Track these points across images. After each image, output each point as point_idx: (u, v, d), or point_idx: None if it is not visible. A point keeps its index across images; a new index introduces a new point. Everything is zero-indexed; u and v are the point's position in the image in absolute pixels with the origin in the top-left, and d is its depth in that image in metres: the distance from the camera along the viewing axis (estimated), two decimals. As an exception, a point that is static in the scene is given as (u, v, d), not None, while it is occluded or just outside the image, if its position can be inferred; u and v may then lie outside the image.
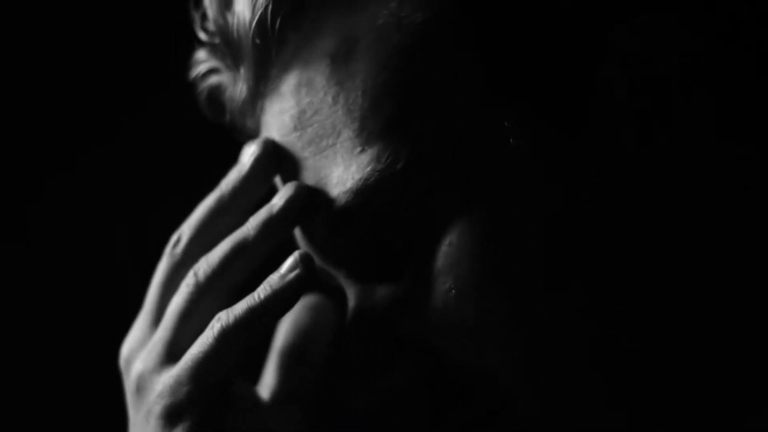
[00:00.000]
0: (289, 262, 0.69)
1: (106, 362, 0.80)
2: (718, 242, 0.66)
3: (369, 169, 0.66)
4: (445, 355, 0.67)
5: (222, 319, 0.68)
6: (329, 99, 0.67)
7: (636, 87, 0.65)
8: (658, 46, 0.65)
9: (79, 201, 1.17)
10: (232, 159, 0.74)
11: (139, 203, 1.15)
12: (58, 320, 1.17)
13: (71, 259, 1.17)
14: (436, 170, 0.65)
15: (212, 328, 0.69)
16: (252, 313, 0.68)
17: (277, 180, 0.73)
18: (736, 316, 0.66)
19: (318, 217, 0.69)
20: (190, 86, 0.76)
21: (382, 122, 0.66)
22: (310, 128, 0.68)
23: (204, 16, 0.72)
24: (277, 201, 0.70)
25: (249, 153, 0.72)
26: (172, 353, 0.70)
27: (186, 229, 0.73)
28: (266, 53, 0.69)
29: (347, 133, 0.67)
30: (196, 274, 0.71)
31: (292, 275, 0.68)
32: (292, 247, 0.72)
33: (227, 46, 0.71)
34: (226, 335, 0.68)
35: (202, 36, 0.73)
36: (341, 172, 0.67)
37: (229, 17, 0.69)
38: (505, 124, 0.64)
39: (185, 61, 0.76)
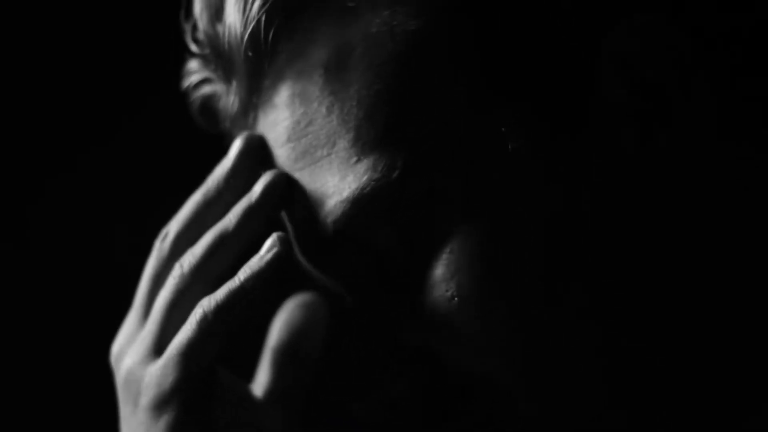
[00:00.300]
0: (268, 243, 0.69)
1: (105, 362, 0.80)
2: (718, 242, 0.66)
3: (365, 178, 0.66)
4: (446, 359, 0.67)
5: (204, 305, 0.69)
6: (323, 109, 0.67)
7: (636, 87, 0.65)
8: (658, 46, 0.64)
9: (79, 201, 1.17)
10: None
11: (139, 203, 1.15)
12: (58, 320, 1.17)
13: (71, 259, 1.17)
14: (434, 174, 0.65)
15: (195, 314, 0.69)
16: (233, 296, 0.68)
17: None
18: (736, 316, 0.66)
19: (316, 229, 0.68)
20: (186, 94, 0.75)
21: (377, 131, 0.66)
22: (305, 139, 0.68)
23: (195, 27, 0.72)
24: (256, 188, 0.70)
25: (234, 148, 0.72)
26: (159, 345, 0.71)
27: (173, 225, 0.73)
28: (258, 65, 0.68)
29: (342, 143, 0.66)
30: (181, 266, 0.71)
31: (269, 255, 0.69)
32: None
33: (218, 58, 0.70)
34: (208, 320, 0.68)
35: (193, 47, 0.73)
36: (337, 182, 0.67)
37: (220, 29, 0.69)
38: (506, 126, 0.64)
39: (185, 61, 0.76)
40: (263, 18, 0.67)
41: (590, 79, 0.65)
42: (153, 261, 0.74)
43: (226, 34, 0.69)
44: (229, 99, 0.71)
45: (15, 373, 1.18)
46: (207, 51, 0.71)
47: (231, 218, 0.71)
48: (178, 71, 0.77)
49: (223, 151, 0.75)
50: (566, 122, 0.65)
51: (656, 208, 0.65)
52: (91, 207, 1.17)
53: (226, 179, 0.72)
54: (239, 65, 0.69)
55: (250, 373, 0.78)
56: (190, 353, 0.68)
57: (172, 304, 0.71)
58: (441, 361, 0.67)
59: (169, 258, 0.73)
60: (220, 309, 0.68)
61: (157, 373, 0.69)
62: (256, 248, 0.70)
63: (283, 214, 0.71)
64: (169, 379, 0.69)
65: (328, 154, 0.67)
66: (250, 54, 0.68)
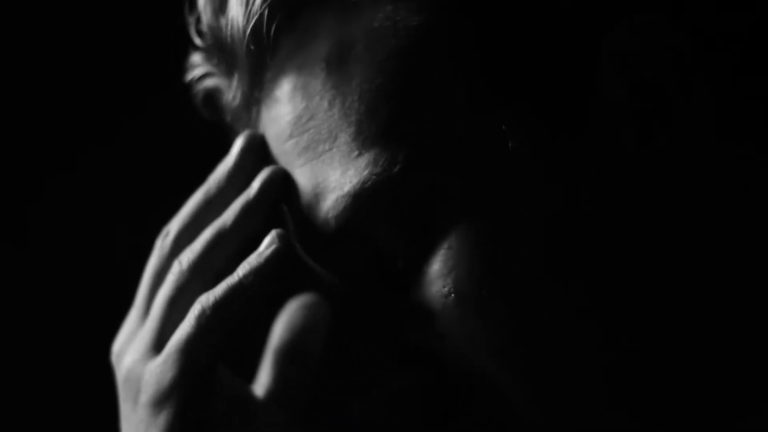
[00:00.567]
0: (267, 240, 0.69)
1: (105, 360, 0.80)
2: (718, 242, 0.66)
3: (366, 172, 0.66)
4: (445, 358, 0.67)
5: (202, 301, 0.69)
6: (325, 104, 0.67)
7: (636, 87, 0.65)
8: (658, 46, 0.64)
9: (79, 201, 1.17)
10: None
11: (138, 203, 1.15)
12: (57, 320, 1.17)
13: (71, 258, 1.17)
14: (435, 171, 0.65)
15: (193, 310, 0.69)
16: (231, 291, 0.68)
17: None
18: (735, 316, 0.66)
19: (317, 223, 0.69)
20: (189, 87, 0.75)
21: (378, 126, 0.66)
22: (307, 134, 0.68)
23: (198, 19, 0.72)
24: (254, 185, 0.70)
25: (236, 147, 0.72)
26: (159, 342, 0.70)
27: (174, 223, 0.73)
28: (260, 59, 0.68)
29: (344, 138, 0.66)
30: (180, 263, 0.71)
31: (268, 251, 0.69)
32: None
33: (221, 51, 0.71)
34: (206, 316, 0.68)
35: (197, 40, 0.73)
36: (338, 177, 0.67)
37: (223, 22, 0.69)
38: (507, 125, 0.64)
39: (185, 60, 0.76)
40: (266, 12, 0.67)
41: (590, 79, 0.65)
42: (154, 259, 0.74)
43: (229, 27, 0.69)
44: (231, 93, 0.71)
45: (14, 372, 1.18)
46: (210, 43, 0.71)
47: (229, 215, 0.71)
48: (178, 71, 0.77)
49: (223, 150, 0.75)
50: (566, 122, 0.65)
51: (656, 207, 0.65)
52: (91, 207, 1.17)
53: (228, 178, 0.72)
54: (241, 59, 0.69)
55: (253, 375, 0.78)
56: (188, 349, 0.68)
57: (171, 301, 0.71)
58: (441, 363, 0.67)
59: (170, 256, 0.73)
60: (219, 305, 0.68)
61: (157, 370, 0.69)
62: (256, 245, 0.70)
63: (285, 209, 0.71)
64: (168, 376, 0.68)
65: (330, 149, 0.67)
66: (252, 47, 0.68)
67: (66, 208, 1.18)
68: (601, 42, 0.65)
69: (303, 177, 0.68)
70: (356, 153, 0.66)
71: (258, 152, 0.71)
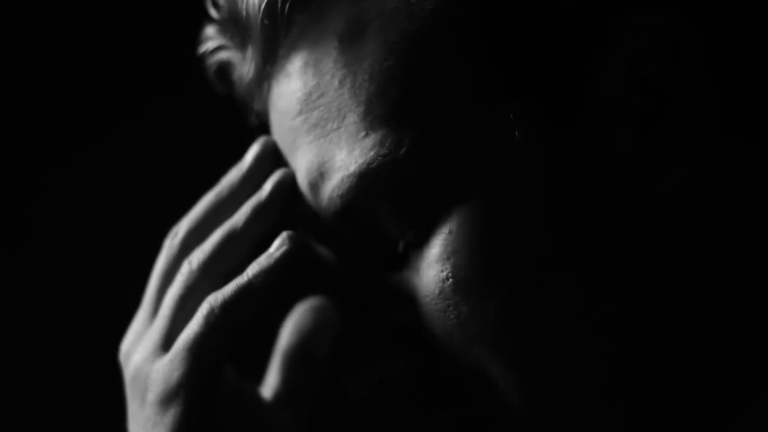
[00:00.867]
0: (277, 241, 0.70)
1: (103, 357, 0.80)
2: (716, 241, 0.66)
3: (372, 153, 0.66)
4: (440, 343, 0.67)
5: (210, 300, 0.69)
6: (336, 82, 0.67)
7: (639, 86, 0.65)
8: (664, 46, 0.65)
9: (78, 198, 1.17)
10: (230, 157, 0.75)
11: (137, 200, 1.15)
12: (55, 316, 1.16)
13: (69, 255, 1.17)
14: (440, 156, 0.65)
15: (202, 309, 0.69)
16: (240, 291, 0.69)
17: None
18: (734, 315, 0.66)
19: (322, 201, 0.69)
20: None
21: (386, 107, 0.66)
22: (316, 111, 0.68)
23: None
24: (266, 187, 0.71)
25: (251, 152, 0.73)
26: (167, 341, 0.71)
27: (184, 224, 0.74)
28: (274, 34, 0.69)
29: (352, 117, 0.67)
30: (190, 263, 0.72)
31: (278, 252, 0.69)
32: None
33: (236, 25, 0.71)
34: (214, 314, 0.68)
35: (212, 12, 0.73)
36: (344, 156, 0.67)
37: None
38: (511, 116, 0.65)
39: (184, 60, 0.76)
40: None
41: (594, 76, 0.65)
42: (163, 259, 0.74)
43: (245, 1, 0.69)
44: (244, 67, 0.71)
45: (13, 370, 1.17)
46: (225, 16, 0.71)
47: (240, 216, 0.71)
48: (177, 70, 0.77)
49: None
50: (568, 118, 0.65)
51: (655, 205, 0.65)
52: (89, 204, 1.17)
53: (241, 182, 0.73)
54: (255, 33, 0.69)
55: (260, 376, 0.78)
56: (196, 348, 0.69)
57: (180, 300, 0.71)
58: (435, 351, 0.67)
59: (179, 256, 0.73)
60: (227, 304, 0.69)
61: (164, 369, 0.69)
62: (266, 247, 0.71)
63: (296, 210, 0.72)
64: (175, 375, 0.69)
65: (338, 128, 0.67)
66: (266, 22, 0.68)
67: (64, 205, 1.17)
68: (607, 40, 0.65)
69: (309, 154, 0.69)
70: (363, 133, 0.66)
71: (272, 158, 0.72)
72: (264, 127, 0.74)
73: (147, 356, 0.71)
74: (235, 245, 0.71)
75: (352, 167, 0.66)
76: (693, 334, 0.66)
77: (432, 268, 0.66)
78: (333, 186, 0.67)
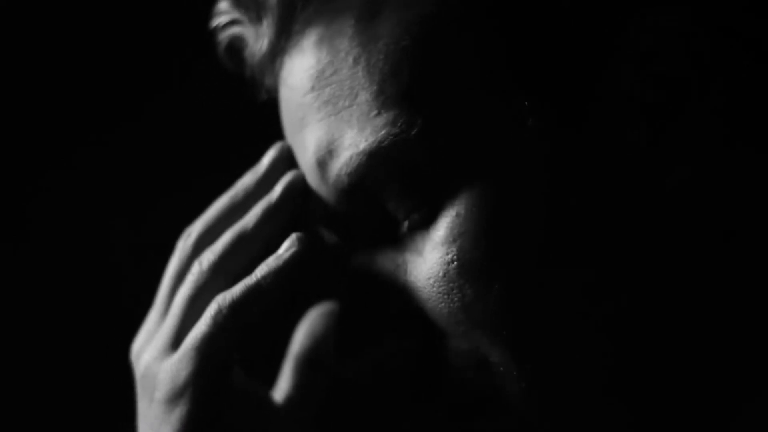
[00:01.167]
0: (286, 243, 0.70)
1: (104, 357, 0.79)
2: (717, 240, 0.66)
3: (383, 132, 0.66)
4: (438, 330, 0.67)
5: (219, 300, 0.69)
6: (350, 60, 0.67)
7: (649, 82, 0.65)
8: (677, 43, 0.65)
9: (78, 198, 1.16)
10: (230, 157, 0.75)
11: (137, 200, 1.15)
12: (55, 316, 1.16)
13: (69, 255, 1.17)
14: (451, 138, 0.65)
15: (210, 309, 0.69)
16: (248, 292, 0.69)
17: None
18: (734, 315, 0.66)
19: (328, 180, 0.68)
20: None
21: (400, 87, 0.66)
22: (328, 88, 0.68)
23: None
24: (277, 189, 0.72)
25: (267, 156, 0.73)
26: (176, 341, 0.71)
27: (197, 225, 0.74)
28: (291, 9, 0.69)
29: (364, 96, 0.67)
30: (200, 263, 0.72)
31: (287, 254, 0.70)
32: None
33: None
34: (222, 314, 0.69)
35: None
36: (355, 135, 0.67)
37: None
38: (525, 103, 0.65)
39: (185, 60, 0.76)
40: None
41: (606, 71, 0.65)
42: (175, 260, 0.74)
43: None
44: (258, 42, 0.71)
45: (13, 369, 1.16)
46: None
47: (251, 217, 0.72)
48: (178, 68, 0.77)
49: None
50: (577, 111, 0.65)
51: (661, 201, 0.65)
52: (90, 204, 1.16)
53: (256, 185, 0.73)
54: (271, 7, 0.69)
55: (271, 379, 0.78)
56: (203, 348, 0.69)
57: (190, 300, 0.71)
58: (434, 336, 0.67)
59: (191, 257, 0.73)
60: (235, 304, 0.69)
61: (172, 368, 0.69)
62: (276, 249, 0.71)
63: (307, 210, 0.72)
64: (183, 374, 0.69)
65: (350, 106, 0.67)
66: None
67: (65, 203, 1.17)
68: (621, 36, 0.65)
69: (319, 131, 0.68)
70: (375, 112, 0.66)
71: (287, 162, 0.72)
72: (273, 105, 0.74)
73: (156, 355, 0.71)
74: (245, 246, 0.71)
75: (362, 145, 0.66)
76: (693, 334, 0.66)
77: (437, 251, 0.66)
78: (341, 164, 0.67)
